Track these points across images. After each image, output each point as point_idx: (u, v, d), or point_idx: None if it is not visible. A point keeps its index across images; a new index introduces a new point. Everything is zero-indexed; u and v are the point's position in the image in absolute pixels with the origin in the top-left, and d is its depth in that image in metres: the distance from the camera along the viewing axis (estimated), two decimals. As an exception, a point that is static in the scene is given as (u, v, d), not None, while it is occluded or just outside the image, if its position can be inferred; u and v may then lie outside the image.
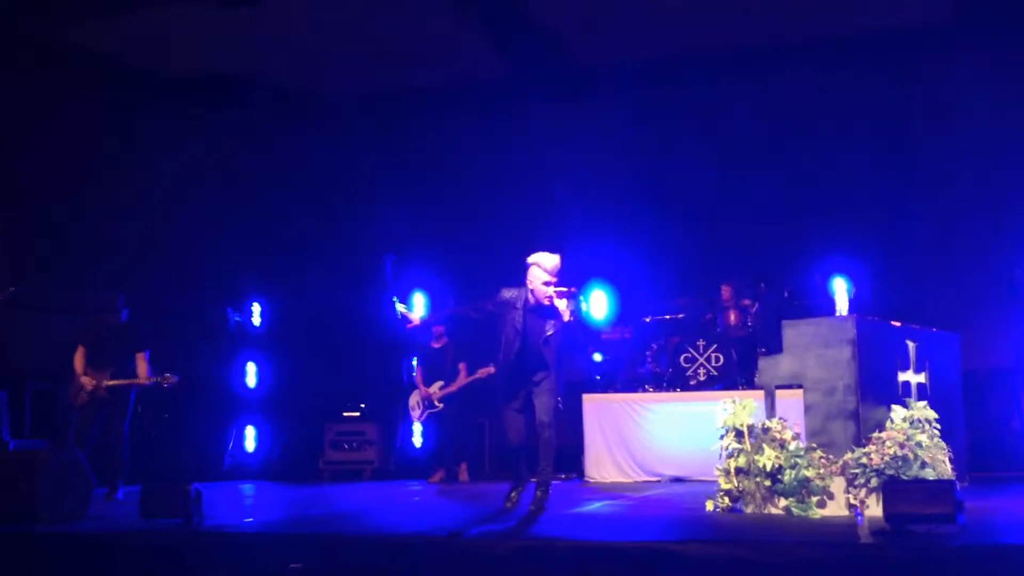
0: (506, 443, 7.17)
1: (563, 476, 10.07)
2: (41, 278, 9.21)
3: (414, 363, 11.62)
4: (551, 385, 6.78)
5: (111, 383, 8.15)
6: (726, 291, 10.72)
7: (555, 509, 6.95)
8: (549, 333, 6.73)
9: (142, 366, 8.28)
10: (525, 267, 6.82)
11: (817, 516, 6.24)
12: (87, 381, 8.19)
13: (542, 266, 6.72)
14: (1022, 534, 5.41)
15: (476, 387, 10.45)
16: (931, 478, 5.99)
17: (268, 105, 12.47)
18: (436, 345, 10.63)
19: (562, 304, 6.67)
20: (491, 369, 10.14)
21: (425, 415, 10.48)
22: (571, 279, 11.15)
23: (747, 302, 10.63)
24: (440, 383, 10.43)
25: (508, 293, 6.86)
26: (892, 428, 6.33)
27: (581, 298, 6.92)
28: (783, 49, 11.26)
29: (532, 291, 6.75)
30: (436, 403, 10.37)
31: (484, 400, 10.56)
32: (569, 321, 6.71)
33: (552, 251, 6.80)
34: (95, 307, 8.34)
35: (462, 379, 10.38)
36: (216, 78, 11.77)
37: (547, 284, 6.70)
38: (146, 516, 6.16)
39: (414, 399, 10.66)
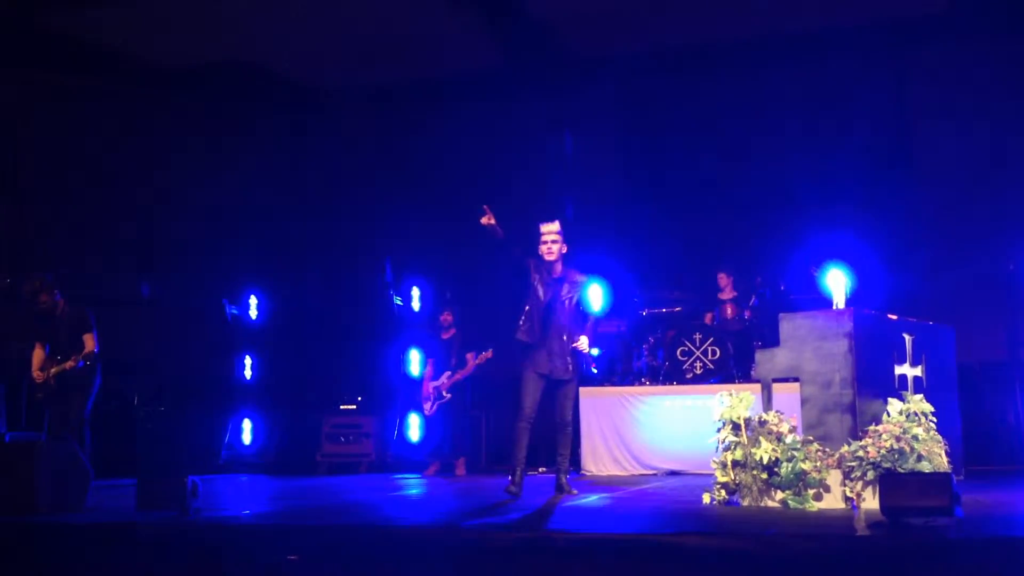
0: (518, 407, 7.46)
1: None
2: (36, 271, 9.17)
3: (413, 355, 11.66)
4: (573, 389, 7.63)
5: (55, 371, 8.11)
6: (723, 279, 10.74)
7: (552, 501, 6.97)
8: (565, 297, 7.42)
9: (88, 345, 8.20)
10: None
11: (814, 509, 6.24)
12: (36, 376, 8.19)
13: (540, 232, 7.48)
14: (1019, 527, 5.42)
15: (473, 381, 10.45)
16: (927, 471, 5.99)
17: (263, 97, 12.45)
18: (444, 336, 10.63)
19: (548, 252, 7.38)
20: (489, 353, 10.18)
21: (436, 407, 10.47)
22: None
23: (733, 294, 10.66)
24: (448, 373, 10.43)
25: (531, 261, 7.52)
26: (888, 421, 6.34)
27: (584, 283, 7.63)
28: (778, 40, 11.27)
29: (547, 259, 7.45)
30: (444, 393, 10.37)
31: (481, 394, 10.57)
32: (578, 301, 7.47)
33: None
34: (27, 294, 8.24)
35: (469, 367, 10.36)
36: (211, 69, 11.74)
37: (542, 244, 7.44)
38: (143, 508, 6.16)
39: (426, 391, 10.65)
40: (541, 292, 7.43)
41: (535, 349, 7.39)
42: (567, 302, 7.45)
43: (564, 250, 7.47)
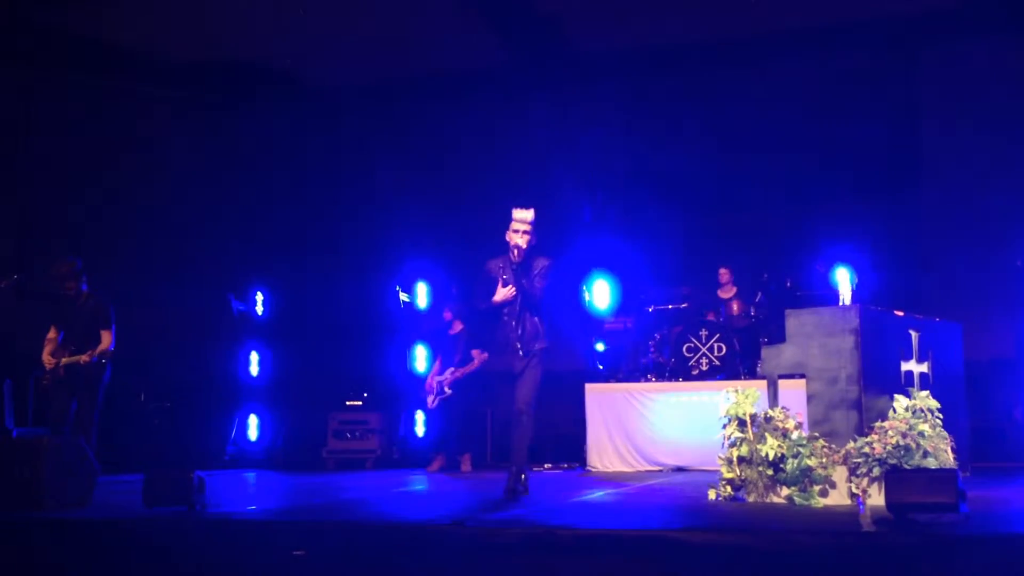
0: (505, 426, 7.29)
1: (565, 465, 10.11)
2: (44, 267, 9.19)
3: (419, 351, 11.68)
4: (531, 378, 6.91)
5: (66, 361, 8.02)
6: (724, 274, 10.75)
7: (557, 498, 6.97)
8: (526, 288, 6.94)
9: (105, 341, 8.09)
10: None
11: (819, 505, 6.24)
12: (47, 361, 8.11)
13: (513, 218, 7.02)
14: (1024, 524, 5.41)
15: (479, 378, 10.46)
16: (933, 467, 5.98)
17: (268, 93, 12.46)
18: (452, 332, 10.64)
19: (518, 239, 6.93)
20: (484, 355, 10.19)
21: (437, 401, 10.49)
22: (575, 268, 11.25)
23: (734, 289, 10.66)
24: (451, 369, 10.45)
25: (492, 263, 7.11)
26: (894, 417, 6.33)
27: (548, 264, 7.12)
28: (786, 35, 11.24)
29: (512, 247, 7.00)
30: (446, 389, 10.39)
31: (487, 390, 10.57)
32: (538, 286, 6.98)
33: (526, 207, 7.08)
34: (54, 277, 8.16)
35: (471, 366, 10.37)
36: (215, 65, 11.75)
37: (512, 231, 6.99)
38: (149, 503, 6.17)
39: (429, 385, 10.68)
40: (509, 282, 7.00)
41: (504, 340, 7.00)
42: (528, 292, 6.97)
43: (533, 242, 6.99)
